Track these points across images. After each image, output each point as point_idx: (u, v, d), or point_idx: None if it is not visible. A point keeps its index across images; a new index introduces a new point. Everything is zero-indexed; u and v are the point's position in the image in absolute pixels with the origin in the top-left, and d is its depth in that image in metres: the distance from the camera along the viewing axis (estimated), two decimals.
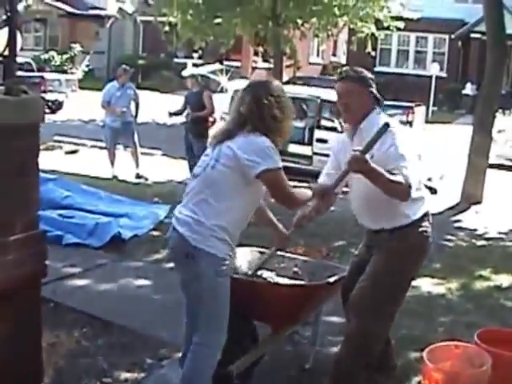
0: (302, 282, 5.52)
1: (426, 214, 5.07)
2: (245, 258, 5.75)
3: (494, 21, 14.04)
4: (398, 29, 26.09)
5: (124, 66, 15.04)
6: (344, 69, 5.26)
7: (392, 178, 4.52)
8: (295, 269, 5.75)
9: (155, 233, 9.43)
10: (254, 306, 5.06)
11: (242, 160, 4.36)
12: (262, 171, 4.34)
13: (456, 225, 12.13)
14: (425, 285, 8.04)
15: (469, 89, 33.00)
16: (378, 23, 25.55)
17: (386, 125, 4.58)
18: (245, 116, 4.49)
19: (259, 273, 5.47)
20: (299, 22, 25.00)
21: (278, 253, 5.84)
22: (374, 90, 5.07)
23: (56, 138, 19.18)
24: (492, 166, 16.55)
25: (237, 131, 4.48)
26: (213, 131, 14.08)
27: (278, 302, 5.00)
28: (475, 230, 11.65)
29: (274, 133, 4.52)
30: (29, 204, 4.35)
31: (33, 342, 4.47)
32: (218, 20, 24.16)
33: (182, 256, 4.44)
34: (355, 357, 4.98)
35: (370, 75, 5.12)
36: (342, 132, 15.15)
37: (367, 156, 4.51)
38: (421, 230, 5.01)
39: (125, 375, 5.37)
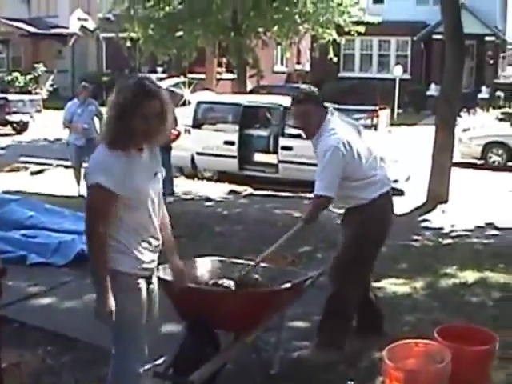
0: (259, 289, 5.54)
1: (381, 194, 5.95)
2: (205, 267, 5.77)
3: (451, 21, 14.13)
4: (360, 33, 26.28)
5: (83, 83, 15.02)
6: (295, 93, 6.10)
7: (308, 212, 5.93)
8: (255, 276, 5.76)
9: None
10: (213, 315, 5.07)
11: None
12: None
13: (423, 224, 12.22)
14: (390, 285, 8.09)
15: (433, 90, 33.20)
16: (339, 29, 25.72)
17: None
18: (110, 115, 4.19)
19: (220, 281, 5.48)
20: (261, 30, 25.13)
21: (239, 261, 5.90)
22: (321, 103, 5.98)
23: (22, 158, 19.09)
24: (457, 165, 16.70)
25: None
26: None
27: (237, 309, 5.02)
28: (441, 228, 11.73)
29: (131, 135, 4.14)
30: None
31: None
32: (180, 33, 24.20)
33: None
34: (334, 318, 5.98)
35: (314, 89, 6.07)
36: (307, 138, 15.29)
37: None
38: (377, 205, 5.90)
39: None
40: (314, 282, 6.02)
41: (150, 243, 4.34)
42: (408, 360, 4.72)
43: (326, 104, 6.09)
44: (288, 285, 5.38)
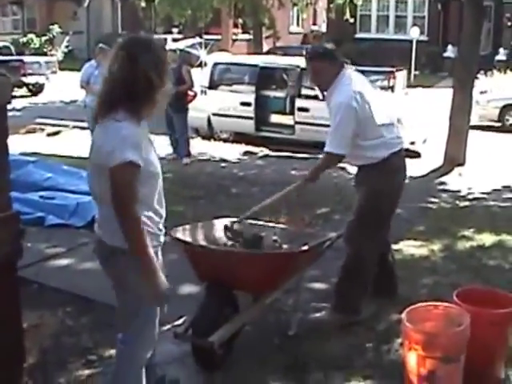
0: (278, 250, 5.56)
1: (393, 153, 5.93)
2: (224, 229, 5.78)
3: None
4: None
5: (100, 44, 14.94)
6: (308, 49, 6.18)
7: (316, 168, 5.98)
8: (274, 237, 5.78)
9: None
10: (232, 275, 5.09)
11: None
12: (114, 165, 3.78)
13: (439, 187, 12.16)
14: (408, 247, 8.09)
15: (450, 51, 32.89)
16: None
17: None
18: (116, 78, 3.85)
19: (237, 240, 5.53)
20: None
21: (258, 222, 5.92)
22: (336, 57, 5.92)
23: (38, 120, 19.10)
24: (475, 128, 16.59)
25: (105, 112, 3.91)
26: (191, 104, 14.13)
27: (256, 270, 5.04)
28: (458, 191, 11.68)
29: (145, 101, 3.90)
30: None
31: (12, 324, 4.46)
32: None
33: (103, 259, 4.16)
34: (351, 279, 6.00)
35: (330, 46, 6.05)
36: (323, 100, 15.23)
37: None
38: (388, 163, 5.89)
39: (109, 352, 5.34)
40: (332, 244, 6.04)
41: (161, 216, 4.10)
42: (427, 323, 4.71)
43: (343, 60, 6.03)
44: (306, 247, 5.38)
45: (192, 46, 25.22)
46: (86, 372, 5.19)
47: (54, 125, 18.85)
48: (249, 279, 5.12)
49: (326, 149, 5.81)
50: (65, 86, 25.81)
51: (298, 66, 16.06)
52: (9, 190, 4.41)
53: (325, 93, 6.01)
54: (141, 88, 3.81)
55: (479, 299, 4.96)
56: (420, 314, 4.74)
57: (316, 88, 6.24)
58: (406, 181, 6.31)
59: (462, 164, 13.72)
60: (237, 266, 5.06)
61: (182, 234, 5.43)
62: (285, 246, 5.71)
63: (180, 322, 5.34)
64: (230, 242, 5.60)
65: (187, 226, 5.63)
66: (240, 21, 34.40)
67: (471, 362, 4.55)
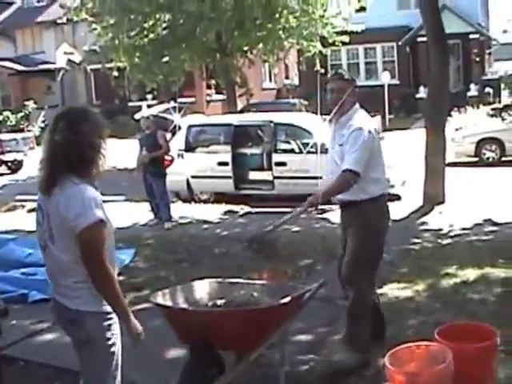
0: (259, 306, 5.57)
1: (382, 195, 6.17)
2: (203, 290, 5.80)
3: (431, 23, 14.21)
4: (345, 43, 26.31)
5: None
6: (338, 70, 6.76)
7: (333, 184, 6.03)
8: (255, 294, 5.80)
9: (120, 278, 9.36)
10: (214, 335, 5.09)
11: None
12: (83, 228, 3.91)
13: (421, 227, 12.24)
14: (392, 290, 8.12)
15: (422, 92, 33.20)
16: (323, 40, 25.77)
17: None
18: (59, 146, 4.02)
19: (219, 302, 5.53)
20: (246, 49, 25.16)
21: (236, 280, 5.94)
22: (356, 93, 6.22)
23: (18, 197, 19.10)
24: (452, 165, 16.75)
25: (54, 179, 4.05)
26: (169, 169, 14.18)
27: (236, 328, 5.04)
28: (440, 229, 11.75)
29: (92, 163, 4.08)
30: None
31: None
32: (166, 58, 24.27)
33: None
34: (360, 318, 6.11)
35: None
36: (300, 152, 15.37)
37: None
38: (377, 207, 6.12)
39: None
40: (314, 294, 6.04)
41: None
42: (411, 363, 4.73)
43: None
44: (286, 299, 5.39)
45: (166, 110, 25.34)
46: None
47: (34, 200, 18.79)
48: (231, 338, 5.13)
49: (345, 167, 5.91)
50: None
51: (271, 121, 16.25)
52: None
53: (333, 120, 6.23)
54: (86, 153, 4.00)
55: (461, 335, 5.00)
56: (403, 355, 4.76)
57: (330, 110, 6.23)
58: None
59: (441, 202, 13.83)
60: (218, 326, 5.07)
61: (162, 298, 5.45)
62: (265, 301, 5.72)
63: None
64: (210, 303, 5.61)
65: (166, 290, 5.65)
66: (213, 81, 34.68)
67: None
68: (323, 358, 6.36)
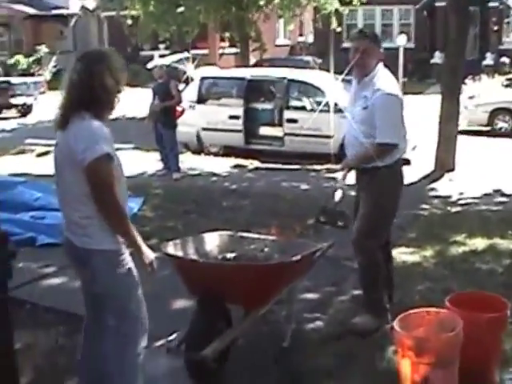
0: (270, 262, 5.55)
1: (397, 160, 5.97)
2: (214, 242, 5.77)
3: None
4: (362, 3, 26.14)
5: None
6: (362, 28, 6.13)
7: (365, 152, 5.79)
8: (265, 249, 5.77)
9: None
10: (224, 288, 5.08)
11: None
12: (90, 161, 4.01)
13: (431, 193, 12.20)
14: (400, 254, 8.05)
15: (437, 57, 32.96)
16: None
17: None
18: (74, 85, 4.18)
19: (229, 256, 5.51)
20: (262, 3, 24.93)
21: (247, 235, 5.92)
22: (380, 50, 6.02)
23: (27, 141, 19.07)
24: (464, 133, 16.64)
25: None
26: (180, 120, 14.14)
27: (247, 282, 5.03)
28: (449, 196, 11.71)
29: (104, 104, 4.23)
30: None
31: (3, 345, 4.43)
32: (181, 9, 24.06)
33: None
34: (373, 284, 6.04)
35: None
36: (311, 110, 15.27)
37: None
38: (394, 173, 5.98)
39: None
40: (324, 253, 6.03)
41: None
42: (419, 328, 4.70)
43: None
44: (298, 257, 5.36)
45: (179, 61, 25.18)
46: None
47: (43, 145, 18.80)
48: (240, 292, 5.10)
49: (379, 140, 5.74)
50: (54, 106, 25.68)
51: (285, 78, 16.14)
52: None
53: (355, 79, 6.04)
54: (98, 94, 4.13)
55: (472, 304, 4.95)
56: (412, 320, 4.73)
57: (353, 71, 6.04)
58: None
59: (452, 169, 13.77)
60: (228, 279, 5.05)
61: (173, 248, 5.42)
62: (276, 257, 5.70)
63: (173, 337, 5.31)
64: (220, 256, 5.59)
65: (178, 241, 5.62)
66: (227, 34, 34.41)
67: (466, 367, 4.55)
68: (329, 317, 6.36)
